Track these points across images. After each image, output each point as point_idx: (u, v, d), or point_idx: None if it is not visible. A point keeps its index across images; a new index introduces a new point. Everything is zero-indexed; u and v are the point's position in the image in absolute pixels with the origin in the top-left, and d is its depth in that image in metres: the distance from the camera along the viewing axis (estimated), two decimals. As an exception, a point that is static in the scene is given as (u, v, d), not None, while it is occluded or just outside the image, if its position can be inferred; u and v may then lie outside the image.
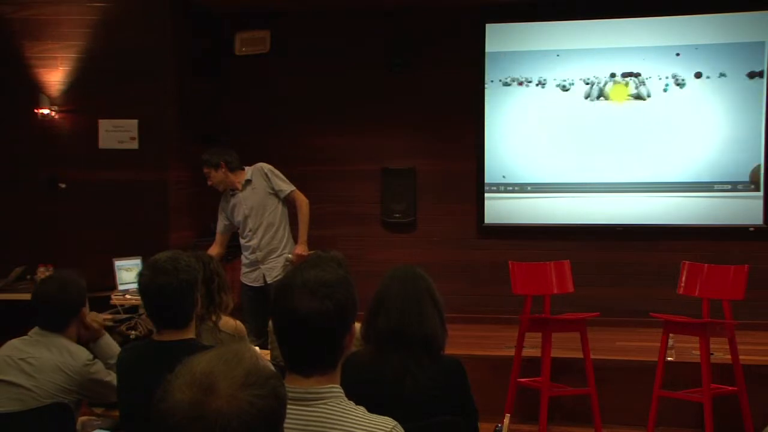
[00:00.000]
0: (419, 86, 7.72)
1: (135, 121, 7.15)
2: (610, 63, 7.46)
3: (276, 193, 6.04)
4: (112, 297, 6.16)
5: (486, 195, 7.70)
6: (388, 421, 1.91)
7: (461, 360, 2.96)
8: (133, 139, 7.14)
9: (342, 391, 1.95)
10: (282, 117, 7.94)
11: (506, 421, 3.24)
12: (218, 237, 6.15)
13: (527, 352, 5.81)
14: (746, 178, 7.24)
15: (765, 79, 7.18)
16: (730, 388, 5.39)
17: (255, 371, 1.35)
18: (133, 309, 5.84)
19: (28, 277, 6.77)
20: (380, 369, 2.78)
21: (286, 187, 6.06)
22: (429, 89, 7.71)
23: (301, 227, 5.98)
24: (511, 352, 5.81)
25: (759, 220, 7.23)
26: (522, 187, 7.65)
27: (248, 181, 6.03)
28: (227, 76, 8.01)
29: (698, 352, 5.30)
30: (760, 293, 6.45)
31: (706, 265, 5.78)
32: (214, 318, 3.73)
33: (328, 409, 1.89)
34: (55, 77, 7.23)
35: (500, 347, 6.28)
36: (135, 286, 5.86)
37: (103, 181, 7.12)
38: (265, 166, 6.08)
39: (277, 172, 6.09)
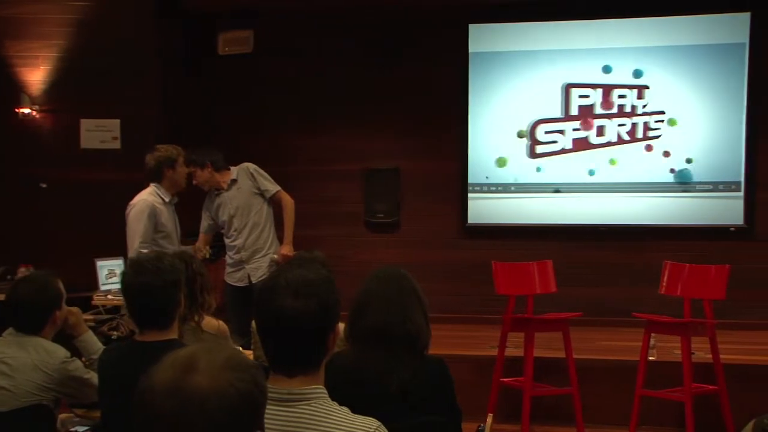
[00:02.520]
0: (403, 86, 7.72)
1: (117, 121, 7.12)
2: (593, 63, 7.49)
3: (262, 193, 6.04)
4: (94, 297, 6.13)
5: (469, 195, 7.71)
6: (371, 422, 1.91)
7: (444, 360, 2.97)
8: (115, 138, 7.11)
9: (325, 391, 1.95)
10: (266, 117, 7.93)
11: (489, 420, 3.25)
12: (202, 237, 6.14)
13: (510, 351, 5.82)
14: (727, 179, 7.29)
15: (746, 80, 7.23)
16: (711, 387, 5.42)
17: (237, 358, 1.35)
18: (114, 309, 5.82)
19: (9, 277, 6.71)
20: (364, 369, 2.78)
21: (272, 187, 6.05)
22: (413, 89, 7.72)
23: (286, 227, 5.98)
24: (494, 352, 5.82)
25: (740, 220, 7.29)
26: (505, 188, 7.67)
27: (234, 181, 6.02)
28: (211, 75, 7.98)
29: (680, 352, 5.33)
30: (741, 293, 6.49)
31: (687, 264, 5.82)
32: (196, 318, 3.72)
33: (311, 409, 1.89)
34: (36, 76, 7.18)
35: (483, 347, 6.30)
36: (117, 286, 5.84)
37: (84, 181, 7.08)
38: (251, 166, 6.07)
39: (262, 172, 6.08)
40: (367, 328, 2.83)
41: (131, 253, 5.30)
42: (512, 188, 7.66)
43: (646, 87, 7.41)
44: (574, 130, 7.57)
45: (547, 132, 7.60)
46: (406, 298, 2.89)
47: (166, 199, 5.54)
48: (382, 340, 2.80)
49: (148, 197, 5.48)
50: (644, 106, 7.43)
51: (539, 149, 7.61)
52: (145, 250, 5.22)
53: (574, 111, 7.56)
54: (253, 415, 1.34)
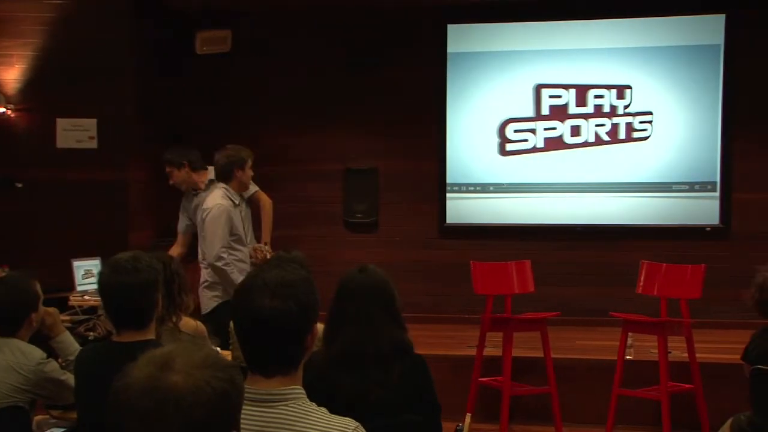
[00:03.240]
0: (381, 86, 7.72)
1: (94, 120, 7.07)
2: (570, 64, 7.53)
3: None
4: (70, 298, 6.08)
5: (448, 195, 7.73)
6: (349, 422, 1.91)
7: (424, 358, 2.98)
8: (91, 138, 7.06)
9: (303, 392, 1.94)
10: (244, 116, 7.89)
11: (467, 420, 3.26)
12: (179, 237, 6.10)
13: (488, 351, 5.84)
14: (703, 179, 7.35)
15: (720, 81, 7.29)
16: (687, 386, 5.46)
17: (214, 357, 1.35)
18: (91, 310, 5.78)
19: (-16, 278, 6.65)
20: (341, 378, 2.79)
21: (251, 187, 6.03)
22: (391, 89, 7.72)
23: (264, 228, 5.95)
24: (473, 352, 5.84)
25: (715, 220, 7.35)
26: (484, 188, 7.69)
27: (212, 181, 5.99)
28: (189, 75, 7.94)
29: (656, 351, 5.36)
30: (716, 292, 6.55)
31: (664, 264, 5.86)
32: (174, 319, 3.70)
33: (289, 410, 1.89)
34: (11, 75, 7.12)
35: (462, 347, 6.31)
36: (94, 286, 5.79)
37: (61, 181, 7.02)
38: (229, 166, 6.03)
39: (240, 172, 6.05)
40: (337, 349, 2.85)
41: (211, 259, 5.21)
42: (491, 188, 7.68)
43: (629, 87, 7.45)
44: (546, 129, 7.59)
45: (516, 131, 7.62)
46: (377, 314, 2.89)
47: (236, 201, 5.45)
48: (353, 361, 2.81)
49: (222, 201, 5.34)
50: (626, 107, 7.46)
51: (509, 147, 7.63)
52: (224, 255, 5.23)
53: (545, 111, 7.59)
54: (229, 414, 1.33)
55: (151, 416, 1.25)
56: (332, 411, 1.94)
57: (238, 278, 4.98)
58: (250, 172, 5.53)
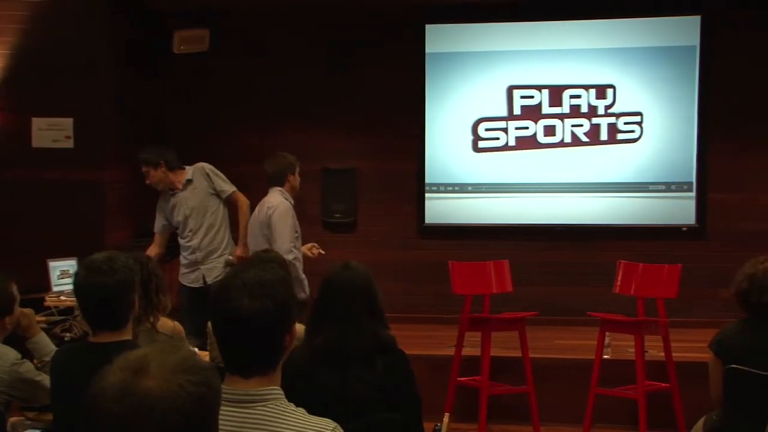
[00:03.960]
0: (360, 86, 7.71)
1: (70, 120, 7.01)
2: (548, 65, 7.56)
3: (217, 194, 6.00)
4: (46, 299, 6.03)
5: (426, 195, 7.74)
6: (328, 423, 1.90)
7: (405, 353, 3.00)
8: (68, 137, 7.00)
9: (282, 392, 1.94)
10: (222, 116, 7.87)
11: (446, 420, 3.27)
12: (156, 237, 6.08)
13: (467, 351, 5.85)
14: (680, 179, 7.41)
15: (697, 82, 7.35)
16: (664, 384, 5.50)
17: (190, 359, 1.33)
18: (67, 311, 5.74)
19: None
20: (321, 376, 2.79)
21: (228, 187, 6.02)
22: (370, 89, 7.71)
23: (241, 228, 5.94)
24: (451, 352, 5.85)
25: (692, 219, 7.41)
26: (462, 188, 7.71)
27: (189, 181, 5.97)
28: (167, 74, 7.90)
29: (633, 350, 5.40)
30: (693, 291, 6.60)
31: (640, 264, 5.90)
32: (151, 319, 3.69)
33: (267, 410, 1.88)
34: (-14, 74, 7.05)
35: (440, 347, 6.32)
36: (70, 287, 5.75)
37: (36, 181, 6.95)
38: (206, 166, 6.03)
39: (218, 172, 6.05)
40: (318, 346, 2.85)
41: (284, 253, 5.25)
42: (469, 188, 7.70)
43: (611, 86, 7.48)
44: (517, 128, 7.61)
45: (488, 129, 7.64)
46: (359, 311, 2.90)
47: (292, 202, 5.64)
48: (334, 358, 2.81)
49: (284, 200, 5.57)
50: (608, 107, 7.49)
51: (481, 144, 7.65)
52: (294, 250, 5.45)
53: (517, 111, 7.62)
54: (205, 418, 1.32)
55: (125, 422, 1.24)
56: (312, 409, 1.94)
57: (301, 273, 5.44)
58: (299, 177, 5.80)
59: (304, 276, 5.48)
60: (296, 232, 5.60)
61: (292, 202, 5.64)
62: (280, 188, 5.64)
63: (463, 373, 5.79)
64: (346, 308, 2.89)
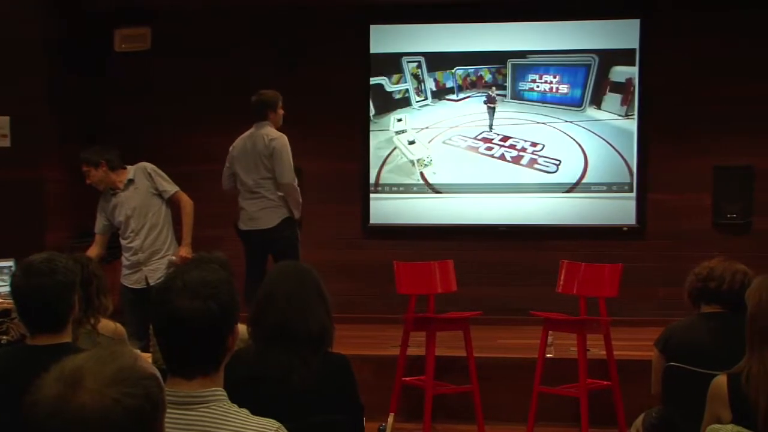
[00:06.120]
0: (305, 86, 7.68)
1: (6, 118, 6.90)
2: (490, 65, 7.62)
3: (160, 194, 5.92)
4: (-18, 301, 5.89)
5: (371, 195, 7.75)
6: (271, 423, 1.90)
7: (347, 357, 2.98)
8: (4, 136, 6.88)
9: (225, 394, 1.92)
10: (165, 116, 7.78)
11: (390, 420, 3.28)
12: (97, 237, 5.97)
13: (412, 351, 5.86)
14: (620, 180, 7.53)
15: (636, 84, 7.48)
16: (605, 382, 5.58)
17: (128, 370, 1.31)
18: (4, 312, 5.61)
19: None
20: (265, 367, 2.76)
21: (170, 187, 5.94)
22: (314, 89, 7.69)
23: (185, 228, 5.87)
24: (396, 352, 5.86)
25: (632, 220, 7.54)
26: (407, 188, 7.74)
27: (131, 181, 5.88)
28: (108, 74, 7.78)
29: (576, 349, 5.47)
30: (633, 291, 6.72)
31: (582, 264, 5.98)
32: (92, 321, 3.62)
33: (210, 412, 1.87)
34: None
35: (385, 347, 6.33)
36: (6, 288, 5.63)
37: (-27, 180, 6.82)
38: (149, 166, 5.95)
39: (160, 172, 5.97)
40: (268, 327, 2.82)
41: (290, 179, 5.95)
42: (414, 189, 7.73)
43: (544, 89, 7.59)
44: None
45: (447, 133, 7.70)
46: (308, 295, 2.89)
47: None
48: (284, 338, 2.79)
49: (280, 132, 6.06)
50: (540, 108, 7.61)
51: (440, 150, 7.70)
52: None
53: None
54: (141, 428, 1.30)
55: None
56: (257, 402, 1.93)
57: (299, 197, 6.09)
58: (281, 113, 6.20)
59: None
60: None
61: None
62: (267, 122, 6.08)
63: (408, 372, 5.80)
64: (292, 291, 2.86)
